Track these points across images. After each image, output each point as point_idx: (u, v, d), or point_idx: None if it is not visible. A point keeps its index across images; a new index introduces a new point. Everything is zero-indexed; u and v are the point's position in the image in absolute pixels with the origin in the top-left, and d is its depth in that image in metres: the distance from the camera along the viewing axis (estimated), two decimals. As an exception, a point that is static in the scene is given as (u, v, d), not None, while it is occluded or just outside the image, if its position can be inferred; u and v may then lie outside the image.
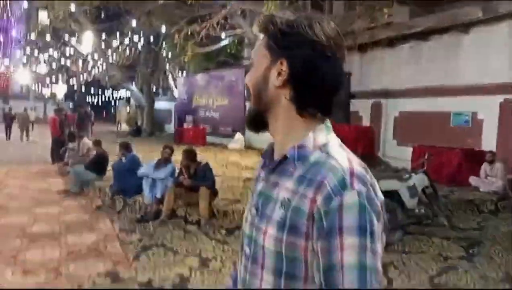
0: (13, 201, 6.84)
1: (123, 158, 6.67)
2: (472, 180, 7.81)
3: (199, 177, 5.63)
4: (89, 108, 18.90)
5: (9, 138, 18.68)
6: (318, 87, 0.88)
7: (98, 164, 7.65)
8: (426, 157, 5.83)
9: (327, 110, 0.91)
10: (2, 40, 34.34)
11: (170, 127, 22.88)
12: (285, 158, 0.89)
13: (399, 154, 10.29)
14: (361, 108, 11.67)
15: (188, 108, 20.03)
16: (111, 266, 4.14)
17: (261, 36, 0.94)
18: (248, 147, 14.44)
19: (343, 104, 9.44)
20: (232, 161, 11.25)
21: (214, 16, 11.65)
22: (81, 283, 3.70)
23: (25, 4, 23.30)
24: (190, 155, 5.78)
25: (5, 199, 7.02)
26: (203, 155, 9.40)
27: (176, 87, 23.35)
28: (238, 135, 15.10)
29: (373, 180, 0.84)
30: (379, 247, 0.79)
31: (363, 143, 9.29)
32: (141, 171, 6.03)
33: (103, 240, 5.01)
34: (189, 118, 18.70)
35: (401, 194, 5.22)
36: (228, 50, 17.28)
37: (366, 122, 11.75)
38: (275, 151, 0.94)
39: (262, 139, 0.95)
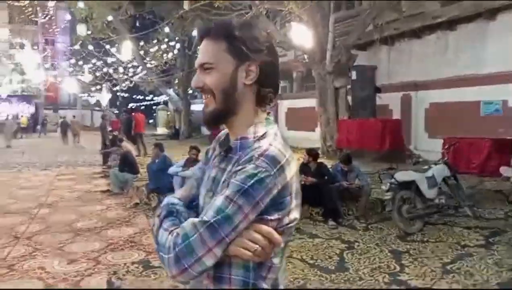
0: (62, 201, 7.56)
1: (156, 159, 7.18)
2: (503, 170, 7.67)
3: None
4: (131, 114, 20.02)
5: (67, 144, 20.71)
6: (275, 82, 1.10)
7: (126, 164, 8.19)
8: (446, 147, 5.86)
9: (272, 101, 1.10)
10: (50, 52, 36.67)
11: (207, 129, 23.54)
12: (230, 148, 1.07)
13: (431, 147, 10.17)
14: (391, 101, 11.60)
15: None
16: (144, 256, 4.60)
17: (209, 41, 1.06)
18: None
19: (369, 98, 9.46)
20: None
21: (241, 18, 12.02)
22: (117, 270, 4.17)
23: (68, 16, 24.85)
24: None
25: (55, 198, 7.77)
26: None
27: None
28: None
29: (289, 163, 0.99)
30: (253, 212, 0.94)
31: (391, 136, 9.27)
32: (171, 170, 6.50)
33: (139, 233, 5.51)
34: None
35: (419, 185, 5.33)
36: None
37: (396, 115, 11.67)
38: (231, 140, 1.09)
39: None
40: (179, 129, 23.55)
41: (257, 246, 0.95)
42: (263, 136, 1.02)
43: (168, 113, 29.70)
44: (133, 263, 4.37)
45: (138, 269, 4.20)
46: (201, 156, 6.91)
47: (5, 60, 32.09)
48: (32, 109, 36.51)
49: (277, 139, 1.02)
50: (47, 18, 33.08)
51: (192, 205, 1.13)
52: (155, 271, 4.12)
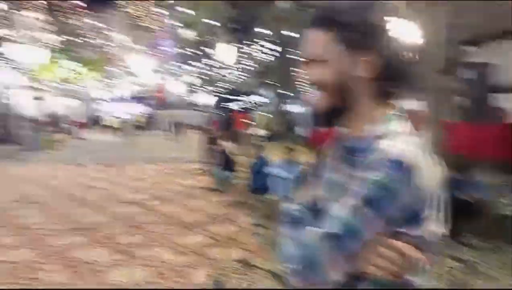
0: (170, 194, 8.11)
1: (255, 159, 7.32)
2: None
3: None
4: (230, 114, 20.97)
5: (177, 141, 22.76)
6: (397, 74, 0.97)
7: (225, 163, 8.42)
8: None
9: (394, 96, 0.99)
10: (159, 56, 40.06)
11: (303, 130, 23.48)
12: (349, 149, 0.98)
13: None
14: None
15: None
16: (244, 254, 4.66)
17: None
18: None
19: (484, 99, 8.40)
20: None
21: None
22: (220, 267, 4.28)
23: (174, 21, 26.93)
24: None
25: (163, 192, 8.37)
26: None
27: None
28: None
29: (421, 168, 0.86)
30: (381, 224, 0.86)
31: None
32: (267, 170, 6.57)
33: (239, 231, 5.63)
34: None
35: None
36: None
37: (517, 119, 10.24)
38: (349, 140, 1.00)
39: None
40: (274, 130, 23.84)
41: (387, 262, 0.87)
42: (383, 136, 0.91)
43: (269, 114, 30.24)
44: (233, 260, 4.46)
45: (240, 267, 4.27)
46: (295, 156, 6.82)
47: (121, 64, 35.84)
48: (146, 109, 40.31)
49: (403, 139, 0.90)
50: (157, 25, 36.19)
51: (314, 208, 1.03)
52: (254, 270, 4.15)
